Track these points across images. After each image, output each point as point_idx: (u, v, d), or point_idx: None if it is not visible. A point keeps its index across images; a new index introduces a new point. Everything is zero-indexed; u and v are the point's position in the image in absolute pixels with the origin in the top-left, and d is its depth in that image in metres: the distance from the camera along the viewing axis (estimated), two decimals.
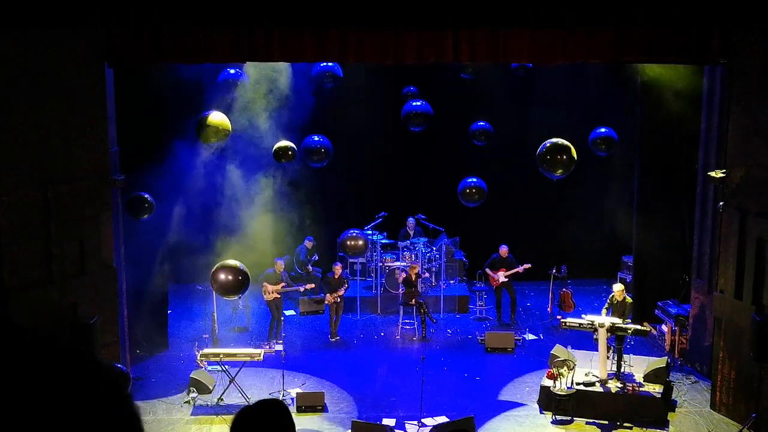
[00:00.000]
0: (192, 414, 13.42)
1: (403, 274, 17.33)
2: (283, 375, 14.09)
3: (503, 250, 17.57)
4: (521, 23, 12.80)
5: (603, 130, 16.57)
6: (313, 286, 17.19)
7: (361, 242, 16.36)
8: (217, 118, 14.77)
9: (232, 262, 13.65)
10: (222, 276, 13.40)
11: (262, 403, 2.69)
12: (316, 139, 16.86)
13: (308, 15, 12.62)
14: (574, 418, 13.23)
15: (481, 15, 12.73)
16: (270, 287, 16.29)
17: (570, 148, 14.26)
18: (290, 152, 16.07)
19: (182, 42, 12.89)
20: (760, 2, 12.25)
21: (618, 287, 14.77)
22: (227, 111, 15.58)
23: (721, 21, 12.62)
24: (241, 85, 16.07)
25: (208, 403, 13.69)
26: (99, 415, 1.31)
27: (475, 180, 16.91)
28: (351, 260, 18.24)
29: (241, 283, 13.42)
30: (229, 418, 2.65)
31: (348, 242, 16.20)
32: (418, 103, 16.77)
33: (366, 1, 12.64)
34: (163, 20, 12.55)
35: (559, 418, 13.23)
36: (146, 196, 14.07)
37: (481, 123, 17.42)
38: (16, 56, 11.87)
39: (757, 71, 12.55)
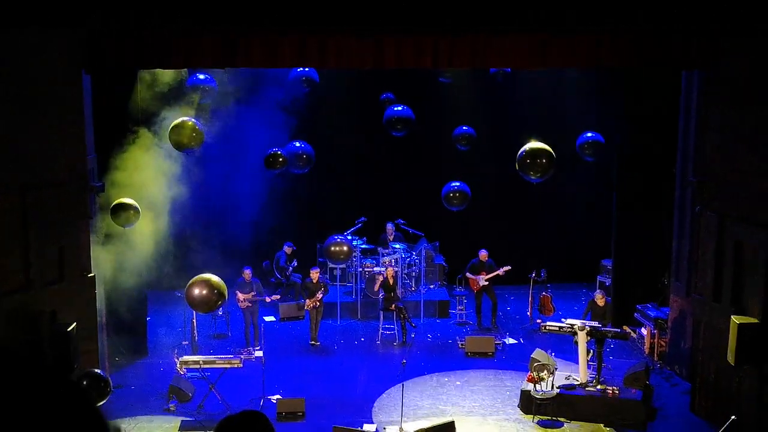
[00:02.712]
0: (172, 422, 13.32)
1: (381, 277, 17.27)
2: (263, 381, 14.02)
3: (483, 254, 17.59)
4: (501, 29, 12.82)
5: (590, 134, 16.28)
6: (278, 297, 17.21)
7: (345, 248, 16.30)
8: (189, 123, 14.50)
9: (206, 276, 13.28)
10: (196, 291, 13.07)
11: (243, 416, 2.63)
12: (298, 145, 16.81)
13: (287, 20, 12.59)
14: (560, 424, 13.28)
15: (460, 20, 12.73)
16: (241, 296, 16.25)
17: (549, 152, 14.29)
18: (281, 159, 16.00)
19: (161, 48, 12.83)
20: (741, 10, 12.31)
21: (598, 293, 15.23)
22: (201, 116, 15.48)
23: (701, 28, 12.65)
24: (212, 91, 15.94)
25: (189, 411, 13.61)
26: (63, 422, 1.29)
27: (458, 184, 16.88)
28: (332, 265, 18.17)
29: (217, 297, 13.07)
30: (210, 426, 2.61)
31: (332, 248, 16.12)
32: (400, 108, 16.72)
33: (346, 7, 12.63)
34: (145, 26, 12.48)
35: (542, 420, 13.27)
36: (131, 202, 13.86)
37: (464, 128, 17.40)
38: None
39: (736, 77, 12.61)
